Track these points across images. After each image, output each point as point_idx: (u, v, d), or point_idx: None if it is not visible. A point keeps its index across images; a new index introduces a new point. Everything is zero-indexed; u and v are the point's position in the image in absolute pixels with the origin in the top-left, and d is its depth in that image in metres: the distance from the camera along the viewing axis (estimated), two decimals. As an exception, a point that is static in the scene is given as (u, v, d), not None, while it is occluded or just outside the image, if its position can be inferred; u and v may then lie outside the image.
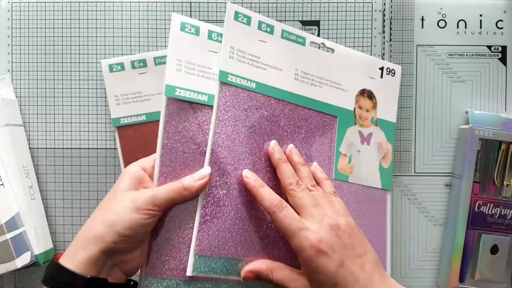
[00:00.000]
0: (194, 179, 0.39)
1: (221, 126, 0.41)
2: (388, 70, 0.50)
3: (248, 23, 0.43)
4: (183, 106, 0.41)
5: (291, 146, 0.44)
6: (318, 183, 0.43)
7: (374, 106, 0.49)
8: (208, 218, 0.40)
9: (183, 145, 0.41)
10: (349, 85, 0.48)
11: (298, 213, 0.39)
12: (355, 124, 0.48)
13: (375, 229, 0.48)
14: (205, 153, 0.41)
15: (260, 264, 0.40)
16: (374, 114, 0.49)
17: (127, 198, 0.38)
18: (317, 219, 0.38)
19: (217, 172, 0.41)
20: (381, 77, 0.49)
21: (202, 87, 0.42)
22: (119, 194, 0.39)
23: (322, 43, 0.47)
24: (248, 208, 0.41)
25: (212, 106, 0.41)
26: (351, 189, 0.47)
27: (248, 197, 0.41)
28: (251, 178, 0.40)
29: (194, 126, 0.41)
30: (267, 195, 0.39)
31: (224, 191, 0.41)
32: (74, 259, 0.37)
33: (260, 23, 0.44)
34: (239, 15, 0.43)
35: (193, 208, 0.40)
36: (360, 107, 0.48)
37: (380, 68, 0.49)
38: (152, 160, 0.41)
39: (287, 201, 0.40)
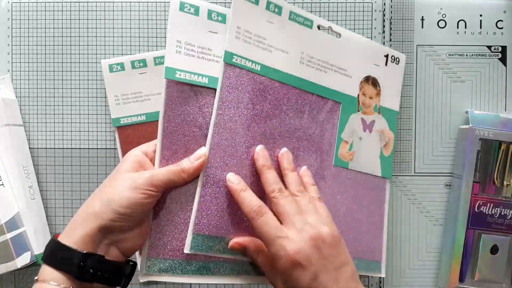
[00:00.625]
0: (191, 161, 0.40)
1: (223, 107, 0.41)
2: (393, 58, 0.50)
3: (256, 2, 0.42)
4: (184, 89, 0.41)
5: (284, 150, 0.43)
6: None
7: (378, 93, 0.49)
8: (207, 198, 0.40)
9: (183, 128, 0.41)
10: (354, 71, 0.47)
11: (280, 221, 0.39)
12: (358, 111, 0.48)
13: (372, 216, 0.48)
14: (206, 136, 0.41)
15: (249, 241, 0.40)
16: (378, 102, 0.49)
17: (127, 177, 0.39)
18: (298, 228, 0.38)
19: (218, 153, 0.41)
20: (386, 64, 0.49)
21: (202, 69, 0.41)
22: (119, 174, 0.39)
23: (330, 27, 0.47)
24: None
25: (212, 89, 0.41)
26: (350, 175, 0.47)
27: (247, 179, 0.42)
28: (234, 181, 0.40)
29: (195, 109, 0.41)
30: (247, 199, 0.39)
31: (224, 173, 0.41)
32: (72, 235, 0.38)
33: (268, 3, 0.43)
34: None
35: (194, 190, 0.41)
36: (364, 94, 0.48)
37: (385, 56, 0.49)
38: (153, 145, 0.42)
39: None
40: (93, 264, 0.37)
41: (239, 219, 0.42)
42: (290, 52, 0.44)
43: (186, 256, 0.41)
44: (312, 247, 0.37)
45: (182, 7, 0.41)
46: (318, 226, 0.38)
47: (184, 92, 0.41)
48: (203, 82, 0.41)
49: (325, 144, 0.46)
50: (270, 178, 0.40)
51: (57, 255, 0.37)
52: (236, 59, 0.41)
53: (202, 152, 0.40)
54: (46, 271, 0.37)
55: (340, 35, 0.47)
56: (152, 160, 0.41)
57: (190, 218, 0.41)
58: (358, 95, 0.48)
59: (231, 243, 0.40)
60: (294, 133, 0.44)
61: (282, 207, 0.39)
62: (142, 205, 0.38)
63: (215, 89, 0.41)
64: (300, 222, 0.38)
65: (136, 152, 0.41)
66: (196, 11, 0.42)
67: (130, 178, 0.38)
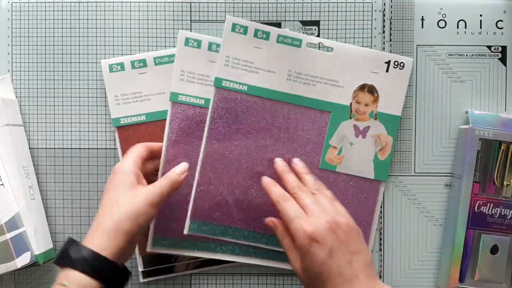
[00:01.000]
0: (178, 174, 0.45)
1: (214, 123, 0.49)
2: (396, 63, 0.50)
3: (245, 32, 0.48)
4: (185, 108, 0.49)
5: (296, 160, 0.49)
6: (301, 178, 0.47)
7: (375, 100, 0.50)
8: (201, 194, 0.49)
9: (184, 138, 0.49)
10: (347, 82, 0.50)
11: None
12: (350, 118, 0.50)
13: (360, 217, 0.50)
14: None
15: (280, 223, 0.44)
16: (374, 108, 0.50)
17: (144, 193, 0.42)
18: (316, 214, 0.41)
19: (210, 160, 0.49)
20: (387, 71, 0.50)
21: (200, 93, 0.49)
22: (134, 190, 0.42)
23: (320, 42, 0.49)
24: (243, 180, 0.49)
25: (208, 108, 0.49)
26: (338, 178, 0.50)
27: (230, 177, 0.49)
28: (267, 180, 0.46)
29: (193, 124, 0.49)
30: (276, 189, 0.45)
31: (213, 175, 0.49)
32: (108, 248, 0.40)
33: (256, 30, 0.49)
34: (236, 26, 0.48)
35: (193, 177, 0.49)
36: (357, 102, 0.50)
37: (386, 62, 0.50)
38: (158, 144, 0.49)
39: None
40: (121, 275, 0.42)
41: (234, 208, 0.49)
42: (277, 71, 0.49)
43: (185, 236, 0.49)
44: (328, 229, 0.40)
45: (187, 42, 0.49)
46: (335, 215, 0.42)
47: (185, 110, 0.49)
48: (200, 103, 0.49)
49: (312, 149, 0.50)
50: (290, 179, 0.46)
51: (96, 265, 0.39)
52: (225, 83, 0.49)
53: (186, 167, 0.47)
54: (75, 275, 0.38)
55: (332, 49, 0.50)
56: (158, 155, 0.49)
57: (186, 205, 0.49)
58: (351, 103, 0.50)
59: (267, 219, 0.45)
60: (282, 141, 0.49)
61: (302, 200, 0.43)
62: (152, 218, 0.43)
63: None
64: (319, 210, 0.42)
65: (131, 167, 0.44)
66: (199, 45, 0.49)
67: (147, 194, 0.42)
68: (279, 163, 0.48)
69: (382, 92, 0.50)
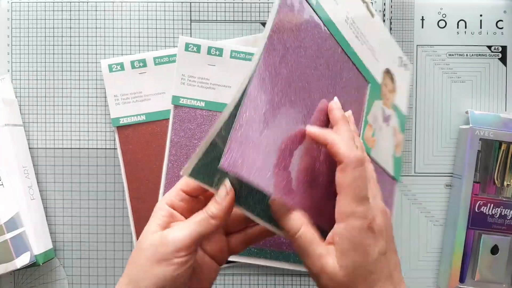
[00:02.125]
0: (218, 201, 0.32)
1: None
2: (402, 62, 0.49)
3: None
4: (186, 111, 0.50)
5: (349, 112, 0.38)
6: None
7: (394, 90, 0.47)
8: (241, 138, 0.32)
9: (186, 140, 0.50)
10: (381, 57, 0.45)
11: None
12: (381, 99, 0.45)
13: None
14: None
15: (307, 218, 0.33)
16: (393, 98, 0.47)
17: (148, 247, 0.32)
18: (371, 195, 0.33)
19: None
20: (399, 65, 0.49)
21: (200, 95, 0.50)
22: (142, 244, 0.32)
23: (370, 1, 0.44)
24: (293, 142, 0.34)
25: (208, 110, 0.50)
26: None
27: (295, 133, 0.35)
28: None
29: (194, 125, 0.50)
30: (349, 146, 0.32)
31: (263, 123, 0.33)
32: None
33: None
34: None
35: None
36: (385, 85, 0.46)
37: (399, 57, 0.49)
38: (175, 190, 0.35)
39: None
40: None
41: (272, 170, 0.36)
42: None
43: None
44: (384, 219, 0.33)
45: (187, 47, 0.50)
46: (382, 203, 0.34)
47: (186, 113, 0.50)
48: (200, 105, 0.50)
49: (355, 120, 0.40)
50: (347, 131, 0.34)
51: None
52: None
53: (228, 186, 0.32)
54: None
55: (373, 15, 0.45)
56: (182, 211, 0.34)
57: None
58: (381, 84, 0.45)
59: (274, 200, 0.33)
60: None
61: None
62: (175, 280, 0.31)
63: (211, 111, 0.50)
64: (373, 190, 0.34)
65: (161, 205, 0.34)
66: (198, 49, 0.50)
67: (151, 248, 0.31)
68: (335, 105, 0.36)
69: (397, 85, 0.48)
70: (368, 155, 0.40)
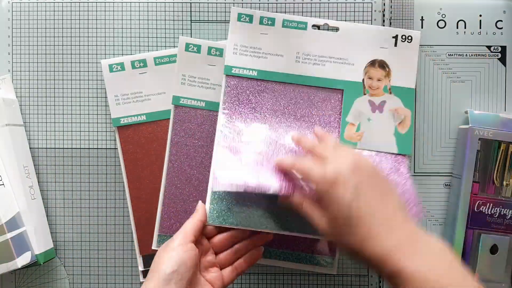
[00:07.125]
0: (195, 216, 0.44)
1: (227, 108, 0.49)
2: (404, 37, 0.50)
3: (250, 21, 0.50)
4: (187, 111, 0.51)
5: (316, 127, 0.48)
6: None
7: (387, 74, 0.50)
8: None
9: (186, 139, 0.50)
10: (356, 59, 0.50)
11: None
12: (364, 94, 0.50)
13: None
14: (203, 146, 0.50)
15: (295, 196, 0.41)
16: (388, 83, 0.50)
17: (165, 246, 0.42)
18: (335, 160, 0.38)
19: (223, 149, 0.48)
20: (395, 45, 0.50)
21: (201, 95, 0.51)
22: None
23: (325, 23, 0.50)
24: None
25: (209, 110, 0.50)
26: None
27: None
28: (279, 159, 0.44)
29: (194, 125, 0.50)
30: (289, 158, 0.44)
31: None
32: None
33: (261, 18, 0.50)
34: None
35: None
36: (370, 78, 0.50)
37: (393, 37, 0.50)
38: (191, 221, 0.44)
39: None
40: None
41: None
42: (285, 54, 0.50)
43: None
44: (350, 170, 0.37)
45: (187, 47, 0.50)
46: (358, 157, 0.38)
47: (187, 113, 0.51)
48: (201, 105, 0.51)
49: (329, 128, 0.50)
50: (306, 140, 0.44)
51: None
52: (235, 70, 0.49)
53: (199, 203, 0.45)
54: None
55: (337, 29, 0.50)
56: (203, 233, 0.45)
57: (190, 203, 0.50)
58: (363, 80, 0.50)
59: (281, 198, 0.42)
60: (298, 121, 0.49)
61: (320, 153, 0.40)
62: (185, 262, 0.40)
63: (211, 111, 0.50)
64: (337, 156, 0.39)
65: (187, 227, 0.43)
66: (198, 49, 0.51)
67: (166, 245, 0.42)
68: (295, 134, 0.46)
69: (393, 66, 0.50)
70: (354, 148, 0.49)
